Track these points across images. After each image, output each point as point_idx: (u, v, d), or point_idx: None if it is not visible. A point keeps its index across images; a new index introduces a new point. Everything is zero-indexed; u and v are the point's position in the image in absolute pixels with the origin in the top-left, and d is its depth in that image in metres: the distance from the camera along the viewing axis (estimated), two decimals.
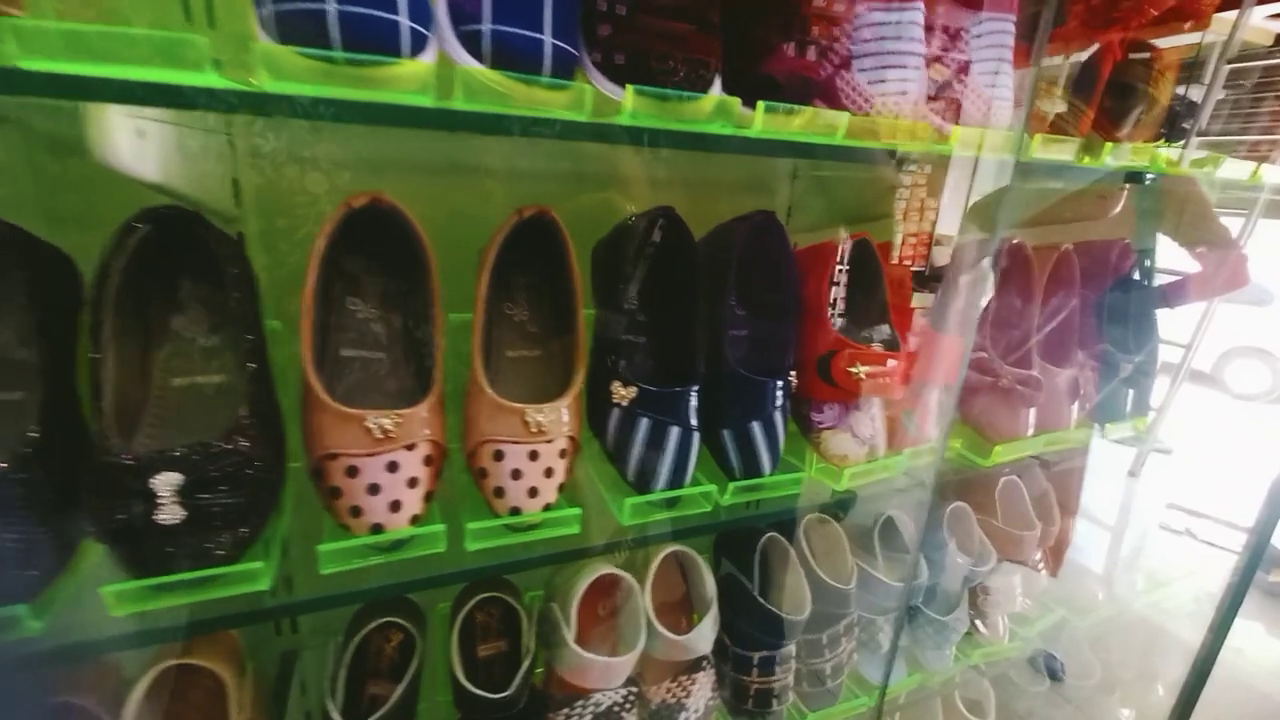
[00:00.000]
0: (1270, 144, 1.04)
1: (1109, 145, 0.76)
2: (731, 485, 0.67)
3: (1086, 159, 0.77)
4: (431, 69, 0.44)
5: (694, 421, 0.63)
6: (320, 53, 0.40)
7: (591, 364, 0.65)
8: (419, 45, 0.43)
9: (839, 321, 0.78)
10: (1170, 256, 1.09)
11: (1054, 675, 1.35)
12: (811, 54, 0.61)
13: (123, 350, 0.49)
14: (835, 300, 0.76)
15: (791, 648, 0.82)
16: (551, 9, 0.46)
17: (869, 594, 0.87)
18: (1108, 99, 0.79)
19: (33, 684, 0.52)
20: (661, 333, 0.73)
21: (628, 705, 0.73)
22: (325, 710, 0.61)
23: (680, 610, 0.84)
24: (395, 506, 0.52)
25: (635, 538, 0.76)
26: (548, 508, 0.58)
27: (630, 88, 0.50)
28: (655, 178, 0.79)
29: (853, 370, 0.66)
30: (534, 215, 0.61)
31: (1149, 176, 0.82)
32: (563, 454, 0.58)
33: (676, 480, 0.63)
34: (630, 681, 0.74)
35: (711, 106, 0.54)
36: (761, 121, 0.56)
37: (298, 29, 0.40)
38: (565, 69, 0.48)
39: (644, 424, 0.61)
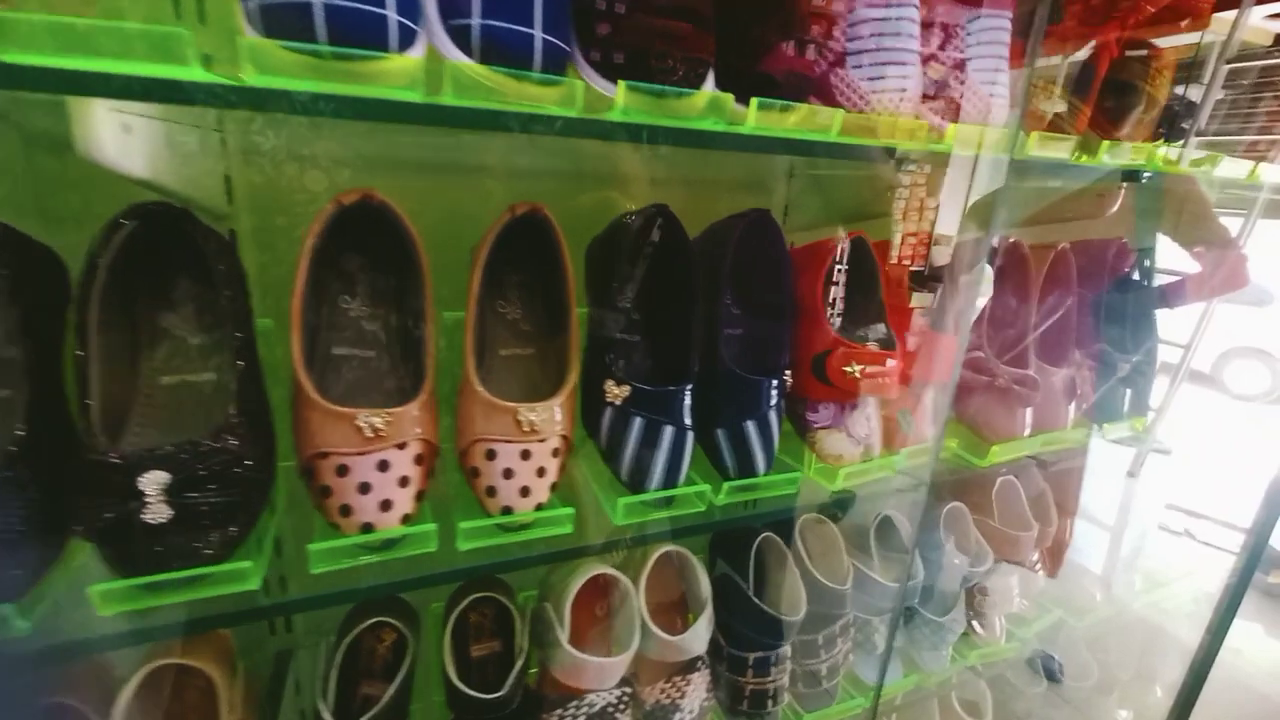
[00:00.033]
0: (1269, 143, 1.03)
1: (1106, 143, 0.76)
2: (726, 485, 0.67)
3: (1084, 157, 0.76)
4: (420, 64, 0.44)
5: (688, 421, 0.63)
6: (306, 47, 0.40)
7: (585, 362, 0.65)
8: (407, 40, 0.43)
9: (838, 321, 0.78)
10: (1171, 257, 1.09)
11: (1051, 676, 1.34)
12: (811, 53, 0.61)
13: (109, 348, 0.49)
14: (834, 300, 0.75)
15: (787, 648, 0.81)
16: (542, 3, 0.46)
17: (865, 594, 0.87)
18: (1105, 97, 0.79)
19: (20, 684, 0.52)
20: (656, 331, 0.72)
21: (622, 706, 0.72)
22: (317, 710, 0.61)
23: (675, 610, 0.84)
24: (386, 506, 0.51)
25: (630, 537, 0.76)
26: (540, 507, 0.57)
27: (622, 83, 0.49)
28: (650, 175, 0.79)
29: (848, 369, 0.66)
30: (527, 213, 0.60)
31: (1145, 175, 0.82)
32: (555, 453, 0.58)
33: (670, 480, 0.63)
34: (624, 682, 0.73)
35: (704, 103, 0.53)
36: (755, 118, 0.56)
37: (284, 23, 0.39)
38: (556, 64, 0.48)
39: (637, 423, 0.61)
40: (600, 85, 0.51)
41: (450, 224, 0.63)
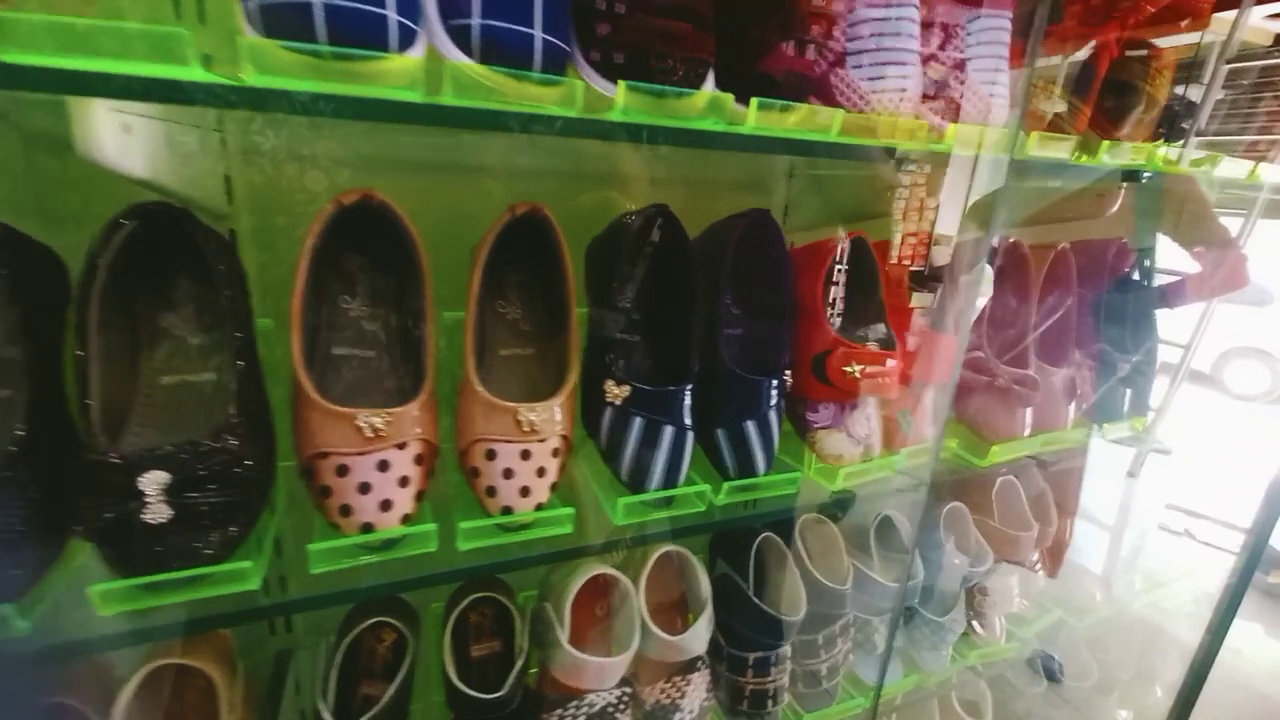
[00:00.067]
0: (1269, 143, 1.03)
1: (1105, 143, 0.76)
2: (726, 485, 0.67)
3: (1084, 158, 0.76)
4: (420, 64, 0.44)
5: (688, 420, 0.63)
6: (306, 47, 0.40)
7: (585, 362, 0.65)
8: (407, 40, 0.43)
9: (838, 321, 0.78)
10: (1171, 257, 1.09)
11: (1051, 676, 1.34)
12: (811, 53, 0.61)
13: (109, 348, 0.49)
14: (835, 300, 0.75)
15: (787, 648, 0.81)
16: (542, 4, 0.46)
17: (865, 594, 0.87)
18: (1105, 97, 0.79)
19: (20, 684, 0.52)
20: (656, 331, 0.72)
21: (622, 706, 0.72)
22: (317, 710, 0.61)
23: (675, 610, 0.84)
24: (386, 506, 0.51)
25: (630, 537, 0.76)
26: (540, 507, 0.57)
27: (622, 83, 0.49)
28: (651, 175, 0.79)
29: (848, 369, 0.66)
30: (527, 212, 0.60)
31: (1145, 175, 0.82)
32: (555, 453, 0.58)
33: (670, 480, 0.63)
34: (624, 682, 0.73)
35: (704, 103, 0.53)
36: (754, 118, 0.56)
37: (283, 23, 0.39)
38: (556, 64, 0.48)
39: (637, 423, 0.61)
40: (600, 85, 0.51)
41: (451, 224, 0.63)
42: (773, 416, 0.67)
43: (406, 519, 0.53)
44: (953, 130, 0.65)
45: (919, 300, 0.77)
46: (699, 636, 0.75)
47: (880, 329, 0.75)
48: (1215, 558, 1.46)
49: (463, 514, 0.58)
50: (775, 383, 0.67)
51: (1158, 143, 0.84)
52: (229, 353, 0.51)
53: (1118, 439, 1.03)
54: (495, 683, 0.65)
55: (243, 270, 0.55)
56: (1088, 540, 1.33)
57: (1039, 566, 1.12)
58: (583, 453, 0.68)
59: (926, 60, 0.64)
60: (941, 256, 0.77)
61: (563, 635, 0.68)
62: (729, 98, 0.54)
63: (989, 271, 0.91)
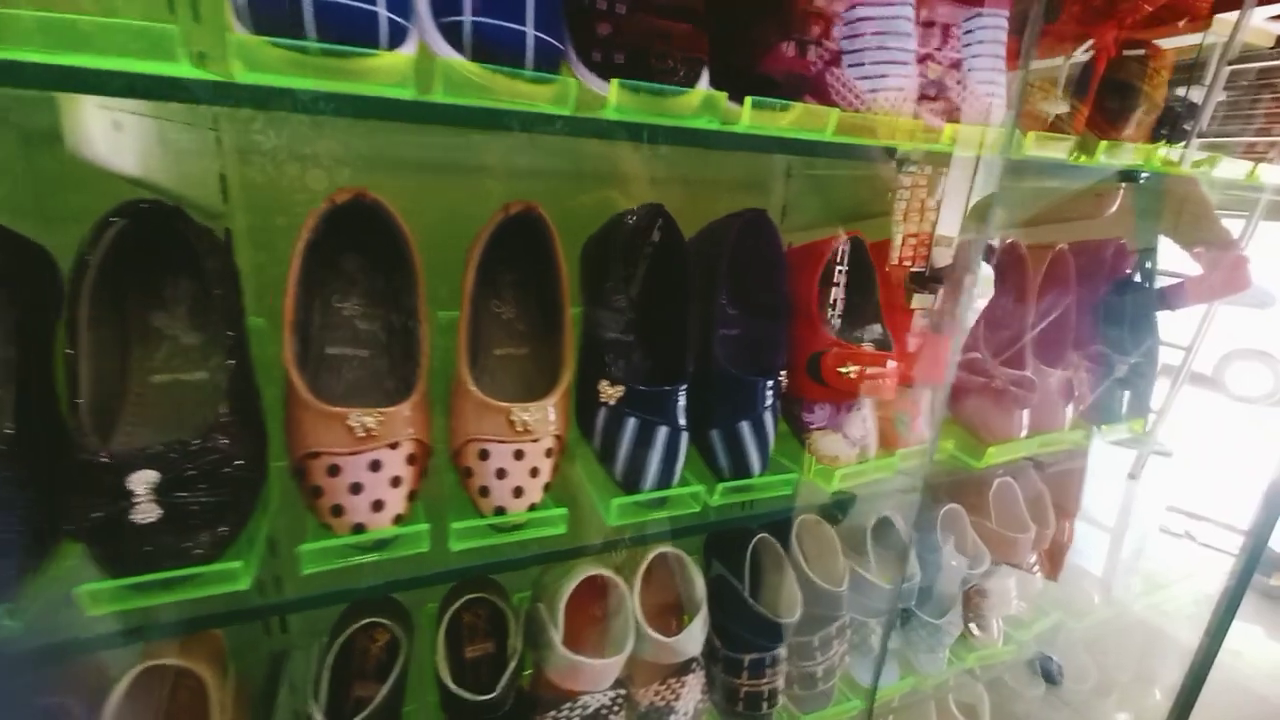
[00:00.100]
0: (1268, 144, 1.03)
1: (1103, 144, 0.76)
2: (720, 486, 0.66)
3: (1082, 158, 0.76)
4: (411, 61, 0.44)
5: (682, 421, 0.62)
6: (295, 43, 0.40)
7: (580, 362, 0.64)
8: (398, 37, 0.43)
9: (838, 322, 0.77)
10: (1173, 258, 1.08)
11: (1049, 678, 1.34)
12: (812, 54, 0.61)
13: (100, 347, 0.49)
14: (835, 301, 0.75)
15: (782, 650, 0.81)
16: (534, 1, 0.45)
17: (861, 596, 0.86)
18: (1102, 97, 0.79)
19: (10, 685, 0.51)
20: (651, 331, 0.72)
21: (616, 708, 0.72)
22: (308, 711, 0.61)
23: (670, 612, 0.84)
24: (378, 506, 0.51)
25: (626, 538, 0.76)
26: (533, 508, 0.57)
27: (615, 82, 0.49)
28: (648, 175, 0.78)
29: (843, 370, 0.65)
30: (520, 212, 0.60)
31: (1143, 176, 0.81)
32: (549, 453, 0.58)
33: (664, 480, 0.62)
34: (618, 683, 0.73)
35: (698, 101, 0.53)
36: (749, 117, 0.55)
37: (272, 19, 0.39)
38: (549, 62, 0.48)
39: (631, 423, 0.60)
40: (594, 84, 0.51)
41: (447, 223, 0.62)
42: (768, 417, 0.66)
43: (399, 519, 0.53)
44: (948, 130, 0.64)
45: (919, 301, 0.77)
46: (693, 638, 0.75)
47: (876, 329, 0.74)
48: (1216, 560, 1.45)
49: (457, 514, 0.57)
50: (771, 383, 0.67)
51: (1159, 143, 0.84)
52: (221, 351, 0.51)
53: (1117, 441, 1.02)
54: (489, 684, 0.64)
55: (235, 269, 0.55)
56: (1088, 542, 1.33)
57: (1037, 568, 1.11)
58: (580, 453, 0.68)
59: (923, 60, 0.64)
60: (942, 258, 0.76)
61: (556, 636, 0.68)
62: (722, 96, 0.54)
63: (988, 271, 0.91)
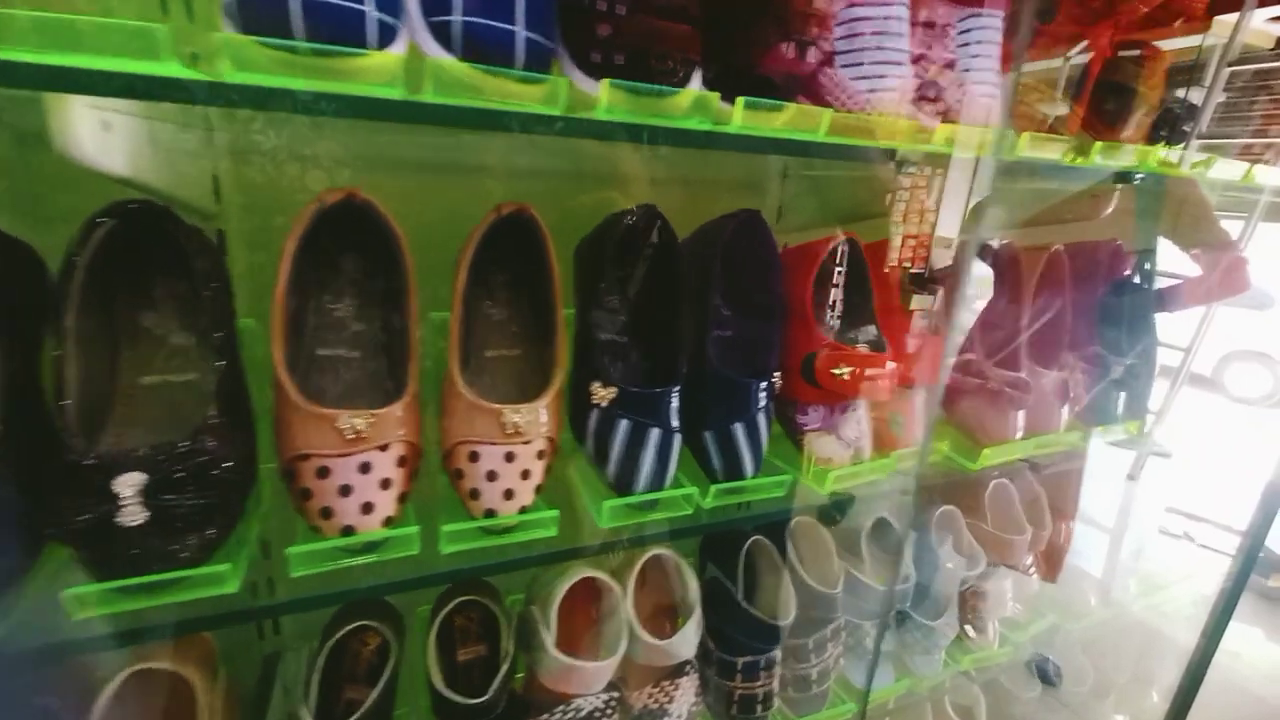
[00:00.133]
0: (1264, 145, 1.03)
1: (1098, 145, 0.75)
2: (713, 488, 0.66)
3: (1078, 159, 0.75)
4: (400, 60, 0.43)
5: (675, 423, 0.62)
6: (283, 43, 0.39)
7: (573, 364, 0.64)
8: (387, 37, 0.43)
9: (836, 323, 0.77)
10: (1174, 259, 1.08)
11: (1046, 679, 1.34)
12: (811, 55, 0.60)
13: (88, 347, 0.48)
14: (835, 302, 0.75)
15: (776, 653, 0.80)
16: (525, 1, 0.45)
17: (856, 598, 0.86)
18: (1097, 98, 0.78)
19: None
20: (644, 332, 0.72)
21: (609, 711, 0.72)
22: (298, 714, 0.60)
23: (664, 614, 0.83)
24: (367, 508, 0.51)
25: (619, 540, 0.75)
26: (524, 510, 0.57)
27: (605, 82, 0.49)
28: (642, 175, 0.78)
29: (836, 371, 0.65)
30: (512, 213, 0.60)
31: (1138, 177, 0.81)
32: (540, 455, 0.57)
33: (657, 482, 0.62)
34: (612, 686, 0.73)
35: (689, 102, 0.53)
36: (741, 117, 0.55)
37: (260, 18, 0.39)
38: (539, 62, 0.47)
39: (623, 425, 0.60)
40: (585, 84, 0.51)
41: (441, 223, 0.62)
42: (761, 419, 0.66)
43: (389, 521, 0.52)
44: (942, 131, 0.64)
45: (919, 303, 0.77)
46: (687, 641, 0.74)
47: (871, 331, 0.74)
48: (1214, 561, 1.45)
49: (448, 516, 0.57)
50: (764, 385, 0.66)
51: (1158, 145, 0.84)
52: (210, 353, 0.51)
53: (1115, 442, 1.02)
54: (481, 687, 0.64)
55: (225, 269, 0.55)
56: (1087, 543, 1.32)
57: (1033, 570, 1.11)
58: (576, 455, 0.68)
59: (917, 60, 0.63)
60: (942, 259, 0.76)
61: (549, 639, 0.68)
62: (714, 97, 0.54)
63: (987, 273, 0.90)
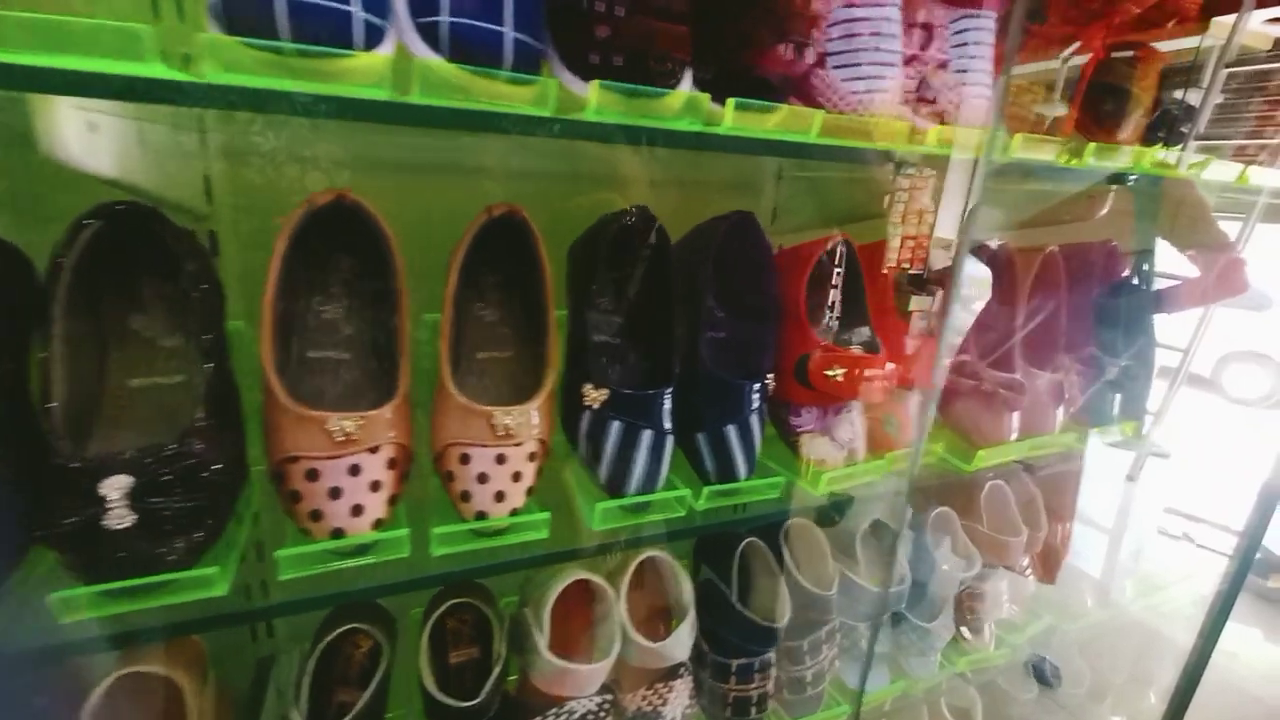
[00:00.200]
0: (1258, 147, 1.02)
1: (1091, 146, 0.75)
2: (706, 490, 0.66)
3: (1072, 160, 0.75)
4: (387, 61, 0.43)
5: (667, 425, 0.62)
6: (268, 44, 0.39)
7: (565, 365, 0.64)
8: (374, 37, 0.42)
9: (835, 324, 0.77)
10: (1173, 261, 1.08)
11: (1043, 680, 1.33)
12: (808, 56, 0.60)
13: (75, 350, 0.48)
14: (834, 303, 0.75)
15: (771, 655, 0.80)
16: (513, 1, 0.45)
17: (852, 600, 0.86)
18: (1091, 99, 0.78)
19: None
20: (637, 334, 0.72)
21: (602, 713, 0.71)
22: (289, 717, 0.60)
23: (657, 616, 0.83)
24: (357, 511, 0.51)
25: (613, 542, 0.75)
26: (515, 512, 0.56)
27: (595, 83, 0.48)
28: (636, 177, 0.78)
29: (830, 373, 0.65)
30: (504, 214, 0.60)
31: (1132, 178, 0.81)
32: (532, 457, 0.57)
33: (649, 484, 0.62)
34: (605, 689, 0.72)
35: (680, 103, 0.52)
36: (731, 118, 0.55)
37: (244, 19, 0.39)
38: (528, 63, 0.47)
39: (615, 427, 0.60)
40: (575, 86, 0.50)
41: (434, 224, 0.62)
42: (754, 421, 0.66)
43: (379, 524, 0.52)
44: (934, 132, 0.64)
45: (917, 304, 0.77)
46: (681, 643, 0.74)
47: (864, 332, 0.74)
48: (1214, 561, 1.45)
49: (440, 518, 0.57)
50: (757, 386, 0.66)
51: (1155, 146, 0.83)
52: (199, 355, 0.50)
53: (1113, 443, 1.02)
54: (474, 689, 0.64)
55: (214, 270, 0.54)
56: (1086, 544, 1.32)
57: (1029, 571, 1.10)
58: (570, 457, 0.67)
59: (909, 61, 0.63)
60: (940, 260, 0.76)
61: (542, 641, 0.67)
62: (705, 97, 0.54)
63: (987, 275, 0.90)
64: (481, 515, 0.55)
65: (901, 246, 0.74)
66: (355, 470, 0.50)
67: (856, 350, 0.70)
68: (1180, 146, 0.86)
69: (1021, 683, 1.30)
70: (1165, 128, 0.87)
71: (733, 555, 0.81)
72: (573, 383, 0.63)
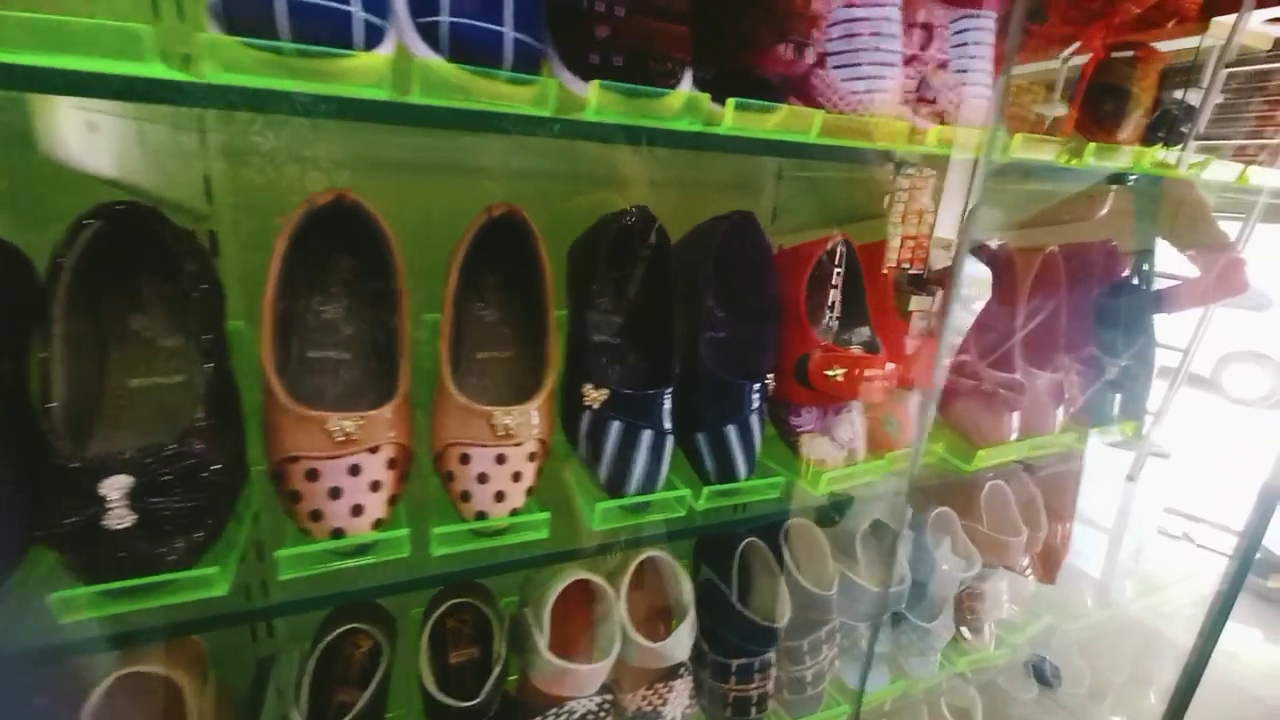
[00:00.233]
0: (1258, 147, 1.02)
1: (1091, 146, 0.75)
2: (706, 490, 0.66)
3: (1072, 160, 0.75)
4: (387, 61, 0.43)
5: (667, 425, 0.62)
6: (268, 44, 0.39)
7: (565, 365, 0.64)
8: (374, 37, 0.42)
9: (835, 324, 0.77)
10: (1174, 261, 1.08)
11: (1043, 680, 1.33)
12: (809, 56, 0.60)
13: (75, 350, 0.48)
14: (834, 303, 0.75)
15: (771, 655, 0.80)
16: (513, 1, 0.45)
17: (852, 600, 0.86)
18: (1091, 99, 0.78)
19: None
20: (637, 334, 0.72)
21: (602, 713, 0.71)
22: (289, 717, 0.60)
23: (657, 616, 0.83)
24: (357, 511, 0.51)
25: (613, 542, 0.75)
26: (515, 512, 0.56)
27: (595, 83, 0.48)
28: (637, 177, 0.78)
29: (829, 373, 0.65)
30: (504, 214, 0.60)
31: (1131, 178, 0.81)
32: (532, 457, 0.57)
33: (649, 485, 0.62)
34: (605, 689, 0.72)
35: (680, 103, 0.52)
36: (732, 119, 0.55)
37: (244, 19, 0.39)
38: (528, 63, 0.47)
39: (615, 427, 0.60)
40: (575, 86, 0.50)
41: (435, 224, 0.62)
42: (754, 421, 0.66)
43: (379, 524, 0.52)
44: (934, 132, 0.64)
45: (918, 304, 0.77)
46: (681, 643, 0.74)
47: (864, 332, 0.74)
48: (1214, 561, 1.45)
49: (440, 518, 0.57)
50: (757, 386, 0.66)
51: (1155, 146, 0.83)
52: (199, 355, 0.50)
53: (1114, 443, 1.02)
54: (474, 689, 0.64)
55: (214, 270, 0.54)
56: (1086, 544, 1.32)
57: (1029, 571, 1.10)
58: (571, 457, 0.67)
59: (909, 61, 0.63)
60: (940, 260, 0.76)
61: (542, 641, 0.67)
62: (705, 97, 0.54)
63: (987, 275, 0.90)
64: (481, 515, 0.55)
65: (901, 246, 0.74)
66: (355, 470, 0.50)
67: (856, 350, 0.70)
68: (1180, 146, 0.86)
69: (1021, 683, 1.30)
70: (1165, 128, 0.87)
71: (733, 555, 0.81)
72: (573, 383, 0.63)
